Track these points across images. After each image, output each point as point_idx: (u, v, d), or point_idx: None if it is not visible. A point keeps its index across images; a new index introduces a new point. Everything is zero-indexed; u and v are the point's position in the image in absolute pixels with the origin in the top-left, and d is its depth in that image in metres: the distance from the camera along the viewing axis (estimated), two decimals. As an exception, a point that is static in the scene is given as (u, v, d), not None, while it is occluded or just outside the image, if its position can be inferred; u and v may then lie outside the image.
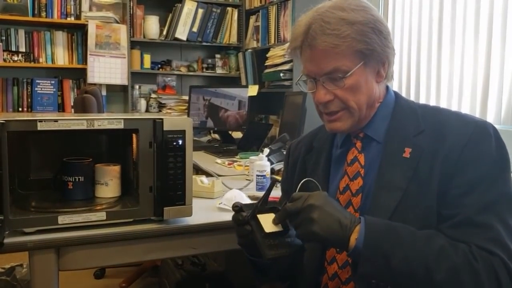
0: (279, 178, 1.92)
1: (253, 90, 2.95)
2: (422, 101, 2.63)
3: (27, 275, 1.88)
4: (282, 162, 2.04)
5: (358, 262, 0.88)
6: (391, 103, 1.08)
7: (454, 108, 2.45)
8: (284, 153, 2.09)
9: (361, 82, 1.01)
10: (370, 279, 0.91)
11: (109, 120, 1.22)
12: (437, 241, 0.89)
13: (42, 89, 3.79)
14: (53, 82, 3.82)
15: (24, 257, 1.18)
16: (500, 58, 2.21)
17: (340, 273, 1.02)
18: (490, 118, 2.23)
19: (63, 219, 1.18)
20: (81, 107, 2.55)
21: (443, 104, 2.53)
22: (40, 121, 1.15)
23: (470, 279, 0.85)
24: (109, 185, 1.34)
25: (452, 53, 2.47)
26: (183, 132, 1.24)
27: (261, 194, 1.66)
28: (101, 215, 1.22)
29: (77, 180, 1.30)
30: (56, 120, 1.16)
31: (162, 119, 1.22)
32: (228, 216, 1.41)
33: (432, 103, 2.59)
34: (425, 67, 2.66)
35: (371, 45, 0.99)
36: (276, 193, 1.65)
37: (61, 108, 3.87)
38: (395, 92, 1.12)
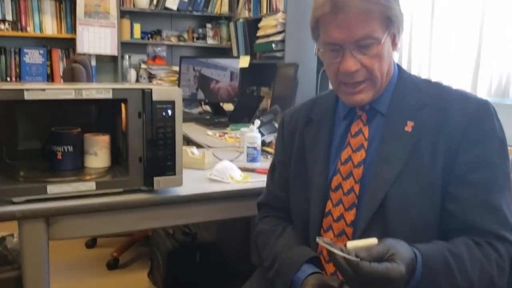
0: (270, 150, 1.92)
1: (244, 61, 2.93)
2: (414, 72, 2.62)
3: (18, 245, 1.89)
4: (273, 134, 2.04)
5: None
6: (395, 76, 1.07)
7: (445, 80, 2.44)
8: (276, 125, 2.09)
9: (385, 50, 1.00)
10: None
11: (97, 89, 1.20)
12: (478, 259, 0.90)
13: (31, 58, 3.73)
14: (41, 52, 3.75)
15: (14, 227, 1.18)
16: (492, 30, 2.20)
17: (335, 241, 1.03)
18: (481, 91, 2.23)
19: (52, 189, 1.18)
20: (70, 77, 2.52)
21: (434, 76, 2.52)
22: (27, 90, 1.13)
23: (498, 278, 0.91)
24: (98, 155, 1.33)
25: (445, 24, 2.45)
26: (172, 103, 1.23)
27: (251, 165, 1.68)
28: (90, 185, 1.22)
29: (66, 150, 1.30)
30: (43, 90, 1.15)
31: (151, 89, 1.21)
32: (219, 187, 1.42)
33: (424, 75, 2.59)
34: (417, 39, 2.64)
35: (395, 11, 0.97)
36: (266, 164, 1.66)
37: (50, 78, 3.81)
38: (398, 65, 1.10)
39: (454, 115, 0.98)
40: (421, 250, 0.86)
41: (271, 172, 1.26)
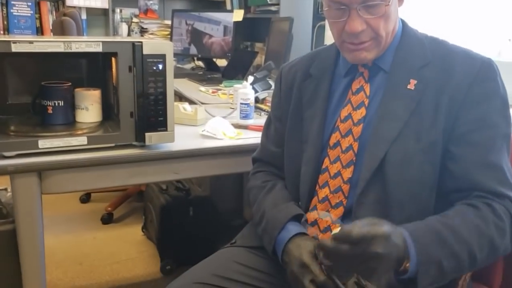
0: (264, 107, 1.91)
1: (238, 15, 2.86)
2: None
3: (11, 199, 1.91)
4: (267, 91, 2.02)
5: (417, 278, 0.84)
6: (399, 31, 1.05)
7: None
8: (270, 82, 2.07)
9: (392, 10, 0.97)
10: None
11: (87, 42, 1.18)
12: (473, 223, 0.89)
13: (18, 11, 3.62)
14: (29, 3, 3.64)
15: (7, 182, 1.19)
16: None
17: (330, 197, 1.04)
18: (479, 48, 2.21)
19: (43, 143, 1.17)
20: (60, 31, 2.46)
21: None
22: (15, 42, 1.10)
23: (500, 240, 0.90)
24: (89, 110, 1.32)
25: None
26: (163, 57, 1.21)
27: (244, 122, 1.67)
28: (82, 140, 1.21)
29: (56, 104, 1.28)
30: (31, 42, 1.12)
31: (141, 42, 1.19)
32: (211, 143, 1.42)
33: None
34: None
35: None
36: (259, 121, 1.66)
37: (39, 31, 3.72)
38: (402, 20, 1.07)
39: (458, 74, 0.96)
40: (407, 227, 0.86)
41: (267, 127, 1.25)
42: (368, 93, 1.04)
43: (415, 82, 0.98)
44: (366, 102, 1.03)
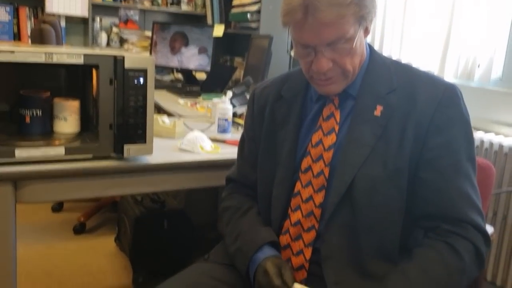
0: (241, 122, 1.94)
1: (218, 30, 2.90)
2: (385, 53, 2.66)
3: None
4: (245, 106, 2.05)
5: None
6: (366, 57, 1.08)
7: (414, 62, 2.49)
8: (248, 96, 2.10)
9: (357, 45, 0.99)
10: None
11: (68, 54, 1.18)
12: (433, 277, 0.93)
13: (-4, 16, 3.58)
14: (8, 9, 3.60)
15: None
16: (461, 13, 2.24)
17: (303, 221, 1.05)
18: (448, 73, 2.29)
19: (20, 153, 1.17)
20: (39, 38, 2.44)
21: (404, 57, 2.57)
22: (-5, 51, 1.10)
23: (461, 279, 0.95)
24: (68, 120, 1.32)
25: (417, 8, 2.48)
26: (144, 71, 1.23)
27: (222, 136, 1.69)
28: (59, 150, 1.21)
29: (34, 113, 1.28)
30: (12, 52, 1.12)
31: (123, 56, 1.20)
32: (188, 157, 1.43)
33: (395, 56, 2.63)
34: (390, 22, 2.67)
35: (368, 8, 0.97)
36: (237, 136, 1.68)
37: (17, 37, 3.67)
38: (369, 45, 1.10)
39: (422, 100, 1.00)
40: None
41: (241, 148, 1.26)
42: (338, 120, 1.06)
43: (382, 108, 1.01)
44: (337, 129, 1.06)
